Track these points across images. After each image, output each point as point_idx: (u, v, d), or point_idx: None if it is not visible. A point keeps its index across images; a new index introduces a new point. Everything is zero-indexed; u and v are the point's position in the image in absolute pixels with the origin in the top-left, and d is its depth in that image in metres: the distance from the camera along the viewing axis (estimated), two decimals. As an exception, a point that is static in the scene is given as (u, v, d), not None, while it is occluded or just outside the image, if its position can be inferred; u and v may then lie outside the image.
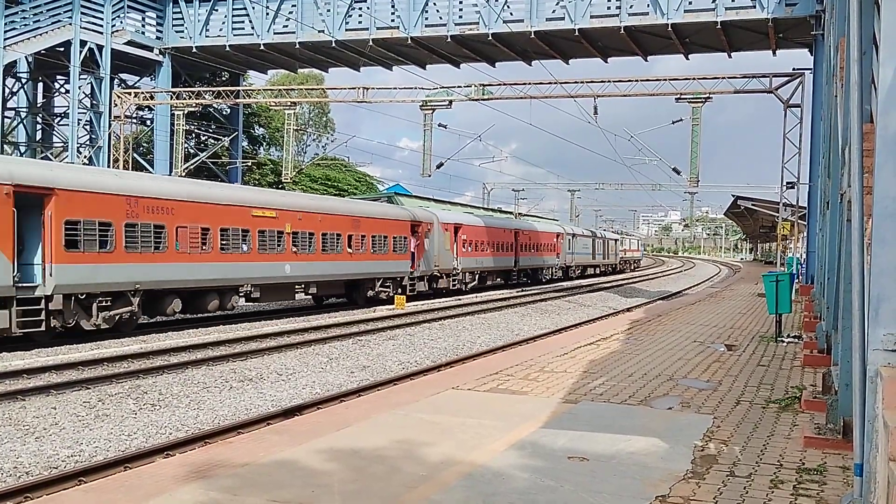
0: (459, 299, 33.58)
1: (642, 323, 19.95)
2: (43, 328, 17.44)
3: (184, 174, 37.74)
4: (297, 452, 7.01)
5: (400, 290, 31.59)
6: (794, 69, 31.65)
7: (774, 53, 36.96)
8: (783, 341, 15.83)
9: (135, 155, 41.07)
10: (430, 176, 36.71)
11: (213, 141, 48.48)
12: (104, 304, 18.90)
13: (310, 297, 29.06)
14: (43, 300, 17.36)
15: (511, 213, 74.44)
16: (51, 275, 17.49)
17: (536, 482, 6.16)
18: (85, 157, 38.74)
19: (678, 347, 14.83)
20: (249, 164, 53.73)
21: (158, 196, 20.70)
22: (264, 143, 66.97)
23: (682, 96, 32.26)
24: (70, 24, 36.43)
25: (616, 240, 77.87)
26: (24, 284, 17.09)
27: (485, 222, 43.32)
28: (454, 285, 37.25)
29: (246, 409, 12.37)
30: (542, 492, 5.93)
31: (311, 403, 12.20)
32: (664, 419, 8.58)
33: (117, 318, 19.35)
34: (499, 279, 45.05)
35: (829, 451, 7.16)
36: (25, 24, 36.94)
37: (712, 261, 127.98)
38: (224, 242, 22.70)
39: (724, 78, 32.28)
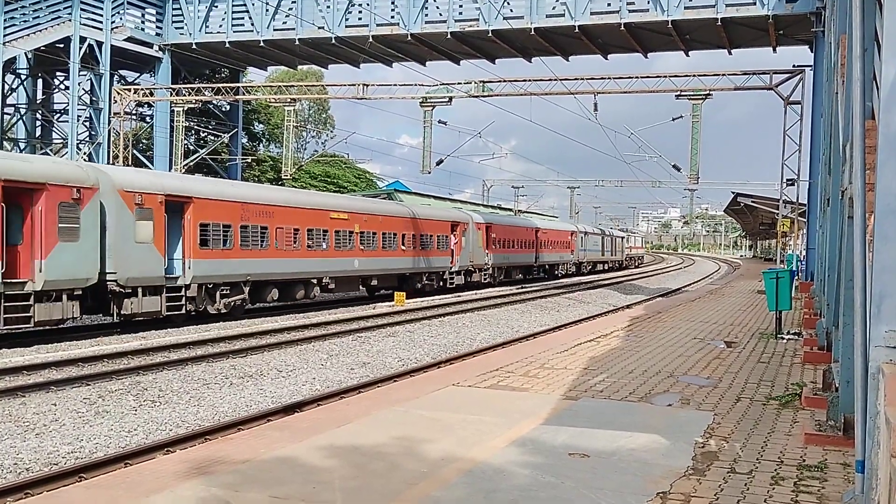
0: (459, 296, 33.62)
1: (642, 320, 19.95)
2: (183, 311, 21.21)
3: (183, 171, 37.70)
4: (297, 449, 7.01)
5: (441, 283, 35.99)
6: (794, 66, 31.61)
7: (775, 50, 36.97)
8: (783, 338, 15.83)
9: (134, 151, 41.06)
10: (429, 173, 36.67)
11: (212, 137, 48.42)
12: (224, 292, 22.84)
13: (361, 288, 31.99)
14: (183, 288, 21.23)
15: (511, 209, 74.46)
16: (189, 268, 21.43)
17: (537, 479, 6.16)
18: (84, 153, 38.72)
19: (678, 344, 14.83)
20: (249, 160, 53.72)
21: (263, 202, 24.69)
22: (264, 140, 66.95)
23: (683, 93, 32.22)
24: (70, 20, 36.39)
25: (622, 237, 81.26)
26: (170, 276, 20.90)
27: (511, 222, 48.35)
28: (485, 279, 41.01)
29: (246, 405, 12.37)
30: (542, 488, 5.93)
31: (312, 400, 12.20)
32: (665, 416, 8.58)
33: (233, 304, 23.18)
34: (520, 274, 48.30)
35: (829, 447, 7.16)
36: (25, 21, 36.89)
37: (712, 258, 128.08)
38: (310, 241, 26.66)
39: (724, 75, 32.24)
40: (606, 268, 69.12)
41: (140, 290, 19.75)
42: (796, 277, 29.42)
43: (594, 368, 11.72)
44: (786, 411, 8.86)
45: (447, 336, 21.17)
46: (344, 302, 30.15)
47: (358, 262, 29.44)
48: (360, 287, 31.32)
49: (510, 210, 73.40)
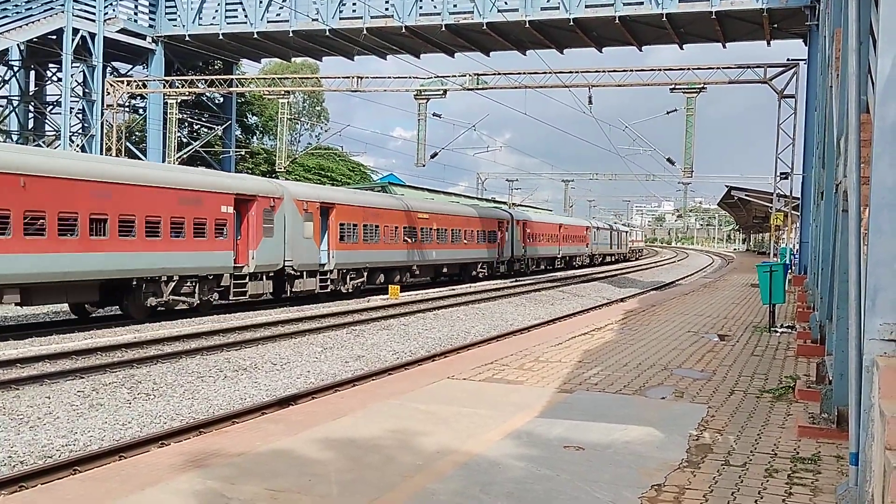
0: (454, 289, 33.66)
1: (636, 313, 19.99)
2: (328, 291, 27.86)
3: (176, 163, 37.59)
4: (292, 442, 7.01)
5: (489, 272, 42.89)
6: (788, 60, 31.64)
7: (769, 44, 36.98)
8: (777, 331, 15.88)
9: (127, 144, 40.91)
10: (424, 166, 36.67)
11: (206, 130, 48.31)
12: (352, 276, 29.64)
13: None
14: (328, 273, 27.95)
15: (505, 202, 74.49)
16: (333, 257, 28.18)
17: (532, 471, 6.18)
18: (77, 145, 38.57)
19: (672, 337, 14.87)
20: (243, 153, 53.59)
21: (376, 206, 31.88)
22: (257, 133, 66.78)
23: (677, 86, 32.23)
24: (62, 11, 36.21)
25: (626, 231, 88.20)
26: (321, 263, 27.58)
27: (541, 219, 55.75)
28: (521, 269, 47.65)
29: (241, 398, 12.37)
30: (537, 481, 5.94)
31: (306, 393, 12.21)
32: (659, 409, 8.61)
33: (357, 285, 29.91)
34: (545, 265, 54.41)
35: (823, 440, 7.20)
36: (17, 12, 36.70)
37: (705, 251, 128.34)
38: (406, 237, 33.56)
39: (718, 68, 32.25)
40: (613, 259, 75.36)
41: (304, 273, 26.53)
42: (790, 271, 29.51)
43: (589, 361, 11.74)
44: (779, 404, 8.89)
45: (442, 329, 21.18)
46: (339, 296, 30.20)
47: (435, 254, 36.59)
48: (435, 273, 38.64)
49: (504, 203, 73.44)
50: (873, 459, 4.13)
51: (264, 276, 24.53)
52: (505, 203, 73.67)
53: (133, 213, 19.64)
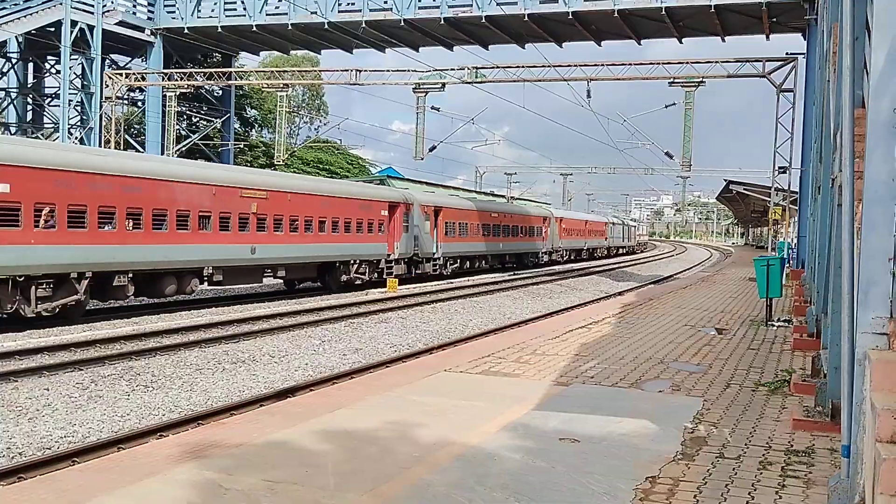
0: (451, 283, 33.70)
1: (633, 307, 20.04)
2: (438, 273, 36.16)
3: (175, 156, 37.58)
4: (290, 433, 7.05)
5: (537, 260, 51.34)
6: (787, 54, 31.67)
7: (768, 38, 36.99)
8: (773, 325, 15.93)
9: (126, 136, 40.87)
10: (422, 159, 36.76)
11: (204, 123, 48.26)
12: (451, 262, 37.70)
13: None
14: (437, 259, 35.96)
15: (504, 196, 74.50)
16: (440, 248, 36.19)
17: (528, 463, 6.22)
18: (76, 138, 38.54)
19: (669, 331, 14.92)
20: (241, 146, 53.55)
21: (465, 209, 40.86)
22: (256, 126, 66.70)
23: (676, 80, 32.26)
24: (60, 4, 36.15)
25: (634, 226, 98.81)
26: (434, 252, 35.65)
27: (572, 216, 63.98)
28: (557, 259, 55.71)
29: (239, 390, 12.41)
30: (533, 473, 5.99)
31: (304, 385, 12.24)
32: (654, 402, 8.65)
33: (454, 270, 38.02)
34: (572, 255, 61.41)
35: (817, 433, 7.24)
36: (16, 4, 36.65)
37: (704, 245, 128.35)
38: (483, 232, 42.21)
39: (717, 62, 32.29)
40: (625, 251, 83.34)
41: (424, 259, 34.60)
42: (787, 265, 29.56)
43: (585, 355, 11.78)
44: (775, 397, 8.94)
45: (439, 322, 21.22)
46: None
47: (502, 245, 45.54)
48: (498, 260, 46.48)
49: (503, 197, 73.48)
50: (864, 451, 4.17)
51: (403, 262, 32.74)
52: (503, 196, 73.76)
53: (338, 216, 28.27)
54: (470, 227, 40.08)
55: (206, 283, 22.83)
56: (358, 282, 29.55)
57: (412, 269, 33.93)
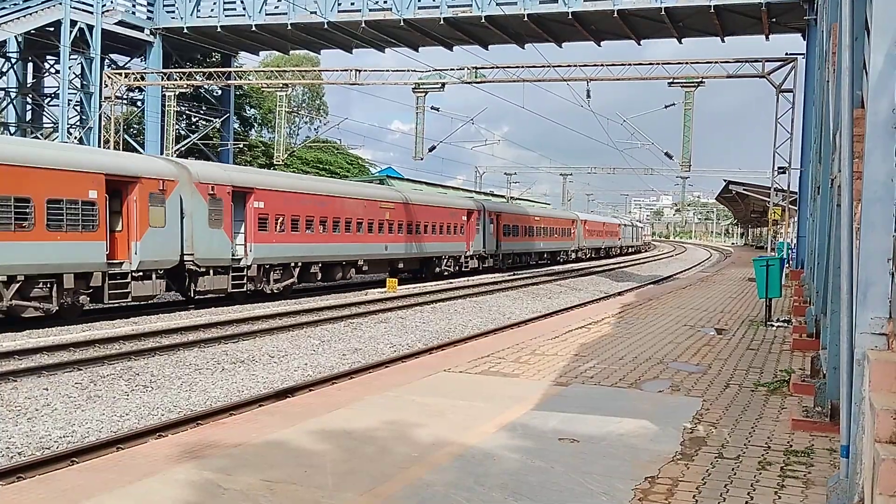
0: (451, 283, 33.71)
1: (633, 307, 20.03)
2: (497, 266, 42.82)
3: (174, 156, 37.57)
4: (289, 433, 7.05)
5: (566, 258, 59.23)
6: (786, 54, 31.66)
7: (767, 38, 36.98)
8: (773, 325, 15.92)
9: (125, 136, 40.85)
10: (422, 159, 36.70)
11: (204, 122, 48.23)
12: (507, 258, 45.44)
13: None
14: (496, 256, 43.13)
15: (503, 196, 74.49)
16: (500, 246, 43.71)
17: (527, 463, 6.22)
18: (75, 137, 38.53)
19: (668, 331, 14.91)
20: (241, 146, 53.53)
21: (514, 212, 48.88)
22: (256, 125, 66.67)
23: (675, 80, 32.23)
24: (60, 3, 36.13)
25: (641, 227, 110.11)
26: (494, 249, 42.88)
27: (593, 219, 72.99)
28: (581, 256, 63.86)
29: (238, 390, 12.41)
30: (532, 472, 5.98)
31: (303, 385, 12.24)
32: (654, 402, 8.65)
33: (507, 264, 45.12)
34: (593, 254, 68.95)
35: (816, 433, 7.24)
36: (15, 4, 36.63)
37: (703, 245, 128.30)
38: (529, 233, 49.67)
39: (716, 62, 32.27)
40: (633, 251, 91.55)
41: (489, 255, 42.58)
42: (787, 265, 29.55)
43: (585, 355, 11.78)
44: (774, 398, 8.93)
45: (439, 322, 21.22)
46: (336, 288, 30.27)
47: (542, 244, 53.18)
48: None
49: (503, 197, 73.50)
50: (863, 452, 4.16)
51: (475, 257, 40.71)
52: (503, 196, 73.79)
53: (437, 222, 36.24)
54: (520, 228, 47.72)
55: (354, 272, 30.22)
56: (446, 272, 37.58)
57: (480, 263, 41.44)
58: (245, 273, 23.79)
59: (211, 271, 22.27)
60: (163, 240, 20.55)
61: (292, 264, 26.02)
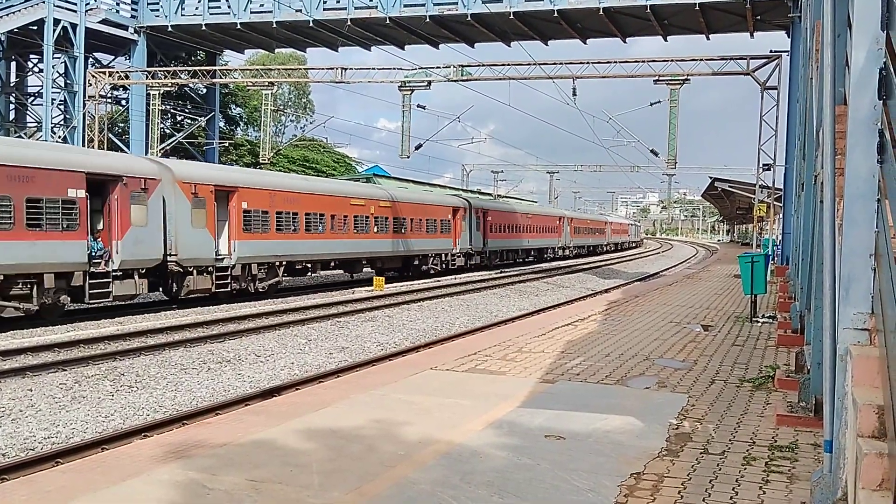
0: (438, 280, 33.70)
1: (619, 304, 20.09)
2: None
3: (160, 154, 37.39)
4: (275, 432, 7.03)
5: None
6: (771, 51, 31.80)
7: (752, 35, 37.13)
8: (758, 322, 16.01)
9: (110, 135, 40.61)
10: (408, 157, 36.65)
11: (189, 121, 48.00)
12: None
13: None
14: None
15: (490, 194, 74.53)
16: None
17: (513, 460, 6.23)
18: (59, 137, 38.27)
19: (655, 328, 14.96)
20: (226, 144, 53.31)
21: (549, 214, 60.04)
22: (241, 124, 66.41)
23: (661, 78, 32.33)
24: (43, 2, 35.87)
25: (639, 225, 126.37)
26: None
27: (613, 220, 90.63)
28: (606, 250, 75.78)
29: (224, 390, 12.36)
30: (518, 470, 5.99)
31: (290, 384, 12.20)
32: (640, 398, 8.68)
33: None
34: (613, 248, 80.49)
35: (801, 428, 7.28)
36: (-3, 2, 36.31)
37: (689, 242, 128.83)
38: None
39: (701, 60, 32.38)
40: (632, 246, 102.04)
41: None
42: (772, 262, 29.71)
43: (571, 352, 11.80)
44: (759, 393, 8.98)
45: (426, 321, 21.20)
46: (322, 287, 30.19)
47: (562, 240, 61.09)
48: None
49: (490, 195, 73.56)
50: (846, 447, 4.19)
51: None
52: (490, 195, 73.92)
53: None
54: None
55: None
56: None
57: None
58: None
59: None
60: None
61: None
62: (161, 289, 22.30)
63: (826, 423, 4.83)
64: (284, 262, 26.52)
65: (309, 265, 28.41)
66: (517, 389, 8.97)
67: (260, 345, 16.28)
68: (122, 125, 46.53)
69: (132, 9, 40.49)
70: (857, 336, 4.30)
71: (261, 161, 40.39)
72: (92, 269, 18.96)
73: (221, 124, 54.21)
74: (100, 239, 19.53)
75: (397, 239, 34.30)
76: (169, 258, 21.19)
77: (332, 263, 30.31)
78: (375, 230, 32.42)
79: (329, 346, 16.69)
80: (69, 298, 18.77)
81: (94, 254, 19.08)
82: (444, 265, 38.96)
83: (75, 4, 37.20)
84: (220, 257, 23.47)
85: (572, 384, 9.40)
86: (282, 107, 73.97)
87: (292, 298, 25.39)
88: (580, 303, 23.81)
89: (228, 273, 23.71)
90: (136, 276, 20.24)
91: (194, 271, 22.20)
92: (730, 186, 56.42)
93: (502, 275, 38.42)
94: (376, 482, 5.69)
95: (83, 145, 36.52)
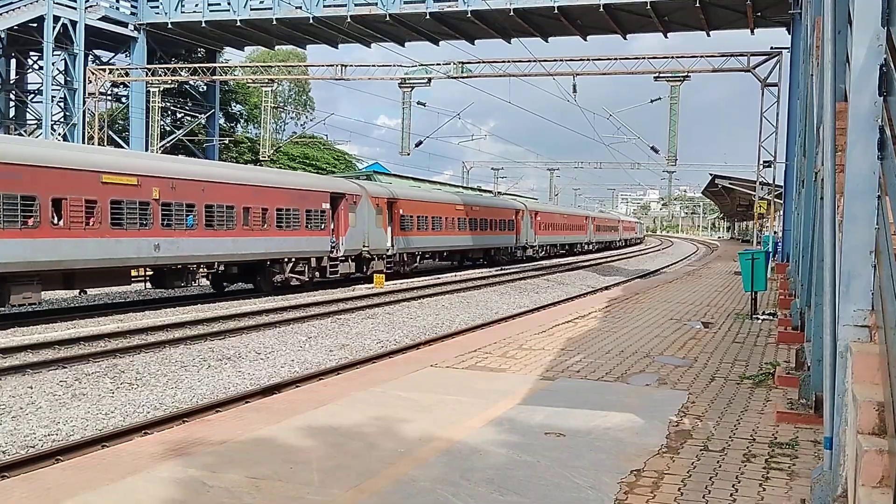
0: (439, 278, 33.72)
1: (620, 301, 20.09)
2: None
3: (160, 152, 37.38)
4: (275, 430, 7.03)
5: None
6: (771, 48, 31.78)
7: (752, 32, 37.09)
8: (758, 318, 16.00)
9: (110, 132, 40.60)
10: (408, 154, 36.70)
11: (189, 118, 48.00)
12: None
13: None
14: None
15: (491, 191, 74.53)
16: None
17: (513, 457, 6.22)
18: (59, 134, 38.26)
19: (655, 325, 14.96)
20: (226, 141, 53.30)
21: (579, 214, 70.49)
22: (241, 121, 66.40)
23: (661, 75, 32.32)
24: (43, -1, 35.85)
25: (642, 223, 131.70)
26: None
27: (627, 219, 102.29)
28: (619, 246, 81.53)
29: (224, 387, 12.36)
30: (518, 467, 5.99)
31: (290, 382, 12.21)
32: (640, 395, 8.67)
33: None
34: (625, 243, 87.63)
35: (801, 425, 7.28)
36: (-3, -1, 36.29)
37: (690, 239, 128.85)
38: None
39: (702, 56, 32.36)
40: (637, 241, 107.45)
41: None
42: (772, 259, 29.70)
43: (571, 349, 11.80)
44: (759, 390, 8.98)
45: (426, 318, 21.20)
46: (322, 284, 30.20)
47: (602, 236, 71.52)
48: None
49: (490, 192, 73.56)
50: (847, 444, 4.18)
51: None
52: (491, 192, 73.93)
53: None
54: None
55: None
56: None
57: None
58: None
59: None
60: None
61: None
62: (357, 271, 30.68)
63: (826, 420, 4.83)
64: (419, 252, 35.89)
65: (428, 255, 37.71)
66: (517, 386, 8.97)
67: (260, 342, 16.29)
68: (121, 122, 46.51)
69: (132, 6, 40.47)
70: (857, 333, 4.29)
71: (260, 158, 40.39)
72: (329, 255, 28.36)
73: (221, 121, 54.23)
74: (333, 235, 28.69)
75: (477, 235, 42.60)
76: (364, 248, 30.35)
77: (444, 253, 39.61)
78: (469, 228, 41.31)
79: (329, 343, 16.69)
80: (318, 274, 27.99)
81: (331, 245, 28.40)
82: (511, 256, 48.41)
83: (75, 1, 37.18)
84: (387, 248, 32.46)
85: (572, 381, 9.40)
86: (282, 104, 73.92)
87: (292, 296, 25.40)
88: (580, 300, 23.81)
89: (393, 259, 32.79)
90: (349, 260, 29.72)
91: (375, 258, 31.18)
92: (730, 183, 56.39)
93: (502, 272, 38.43)
94: (376, 479, 5.69)
95: (83, 142, 36.51)
